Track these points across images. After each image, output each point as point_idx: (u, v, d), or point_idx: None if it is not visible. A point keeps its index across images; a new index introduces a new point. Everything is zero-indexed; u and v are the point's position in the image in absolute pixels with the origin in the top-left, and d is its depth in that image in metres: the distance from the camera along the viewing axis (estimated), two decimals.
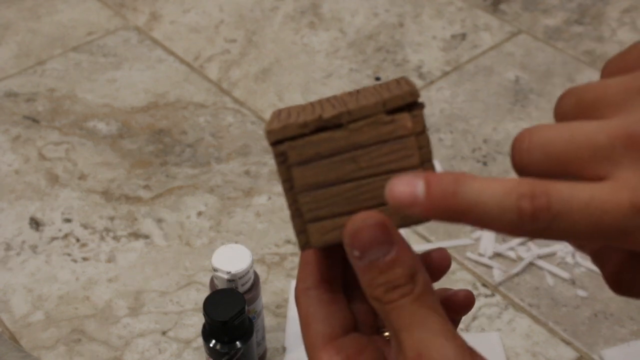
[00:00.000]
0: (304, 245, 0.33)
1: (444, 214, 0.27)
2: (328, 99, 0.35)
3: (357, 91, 0.35)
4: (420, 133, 0.32)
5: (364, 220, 0.30)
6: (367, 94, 0.34)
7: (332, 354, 0.33)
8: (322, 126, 0.32)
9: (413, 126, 0.32)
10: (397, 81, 0.34)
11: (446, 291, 0.36)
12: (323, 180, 0.32)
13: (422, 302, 0.30)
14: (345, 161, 0.32)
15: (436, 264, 0.36)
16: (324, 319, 0.34)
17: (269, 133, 0.32)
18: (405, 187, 0.27)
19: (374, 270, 0.30)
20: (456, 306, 0.36)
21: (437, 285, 0.36)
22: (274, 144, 0.32)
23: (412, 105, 0.32)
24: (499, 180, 0.26)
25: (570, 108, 0.29)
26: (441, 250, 0.36)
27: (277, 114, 0.34)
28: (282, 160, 0.32)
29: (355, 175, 0.32)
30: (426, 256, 0.35)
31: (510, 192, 0.26)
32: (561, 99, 0.30)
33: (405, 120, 0.32)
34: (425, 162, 0.32)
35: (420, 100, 0.32)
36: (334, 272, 0.35)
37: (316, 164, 0.32)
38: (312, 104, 0.35)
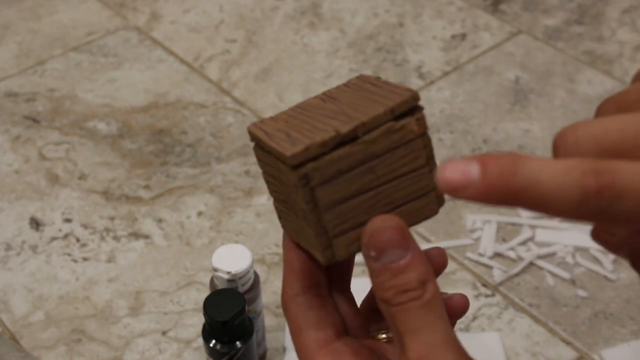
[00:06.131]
0: (329, 259, 0.33)
1: (500, 195, 0.25)
2: (307, 108, 0.35)
3: (333, 97, 0.35)
4: (424, 134, 0.33)
5: (383, 221, 0.31)
6: (358, 99, 0.34)
7: (328, 359, 0.33)
8: (340, 142, 0.32)
9: (418, 129, 0.33)
10: (374, 84, 0.35)
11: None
12: (345, 194, 0.32)
13: (429, 308, 0.30)
14: (364, 173, 0.32)
15: (434, 262, 0.36)
16: (316, 324, 0.34)
17: (292, 157, 0.31)
18: (458, 169, 0.25)
19: (387, 272, 0.30)
20: (450, 311, 0.36)
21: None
22: (295, 167, 0.31)
23: (413, 109, 0.33)
24: (559, 159, 0.25)
25: (612, 110, 0.29)
26: (438, 248, 0.37)
27: (265, 132, 0.34)
28: (304, 182, 0.31)
29: (374, 184, 0.33)
30: (424, 254, 0.36)
31: (573, 170, 0.24)
32: (601, 107, 0.29)
33: (411, 124, 0.33)
34: (429, 160, 0.33)
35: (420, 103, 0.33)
36: (319, 277, 0.35)
37: (337, 180, 0.32)
38: (300, 119, 0.34)
